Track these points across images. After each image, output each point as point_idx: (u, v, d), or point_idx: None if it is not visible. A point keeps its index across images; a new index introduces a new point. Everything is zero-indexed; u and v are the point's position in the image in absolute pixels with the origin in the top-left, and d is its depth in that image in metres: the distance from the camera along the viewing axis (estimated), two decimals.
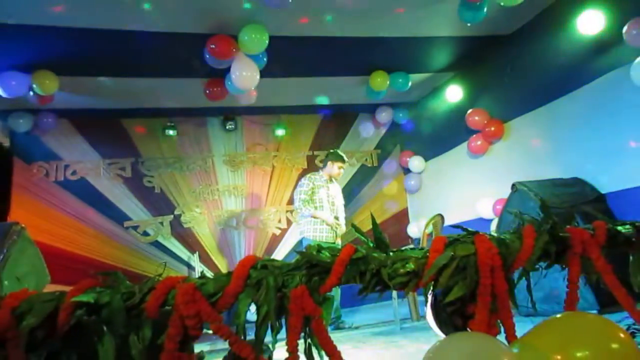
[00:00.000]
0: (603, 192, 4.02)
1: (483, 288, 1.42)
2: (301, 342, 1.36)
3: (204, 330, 1.34)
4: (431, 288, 1.49)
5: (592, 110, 4.16)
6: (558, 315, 1.41)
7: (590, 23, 3.98)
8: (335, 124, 7.06)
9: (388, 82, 5.61)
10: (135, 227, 6.02)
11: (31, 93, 4.70)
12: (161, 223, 6.14)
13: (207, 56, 4.39)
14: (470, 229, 1.58)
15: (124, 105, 5.83)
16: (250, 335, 1.34)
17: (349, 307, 5.69)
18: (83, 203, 5.85)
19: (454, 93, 5.94)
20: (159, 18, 4.07)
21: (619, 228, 1.73)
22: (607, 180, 4.00)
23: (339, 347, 1.35)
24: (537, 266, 1.62)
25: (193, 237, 6.22)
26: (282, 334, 1.34)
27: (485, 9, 4.04)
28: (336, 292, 4.36)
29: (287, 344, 1.31)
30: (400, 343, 3.21)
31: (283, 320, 1.37)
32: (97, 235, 5.82)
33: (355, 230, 1.55)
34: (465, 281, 1.43)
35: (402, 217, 7.09)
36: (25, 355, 1.21)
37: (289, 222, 6.51)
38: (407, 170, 7.07)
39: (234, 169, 6.60)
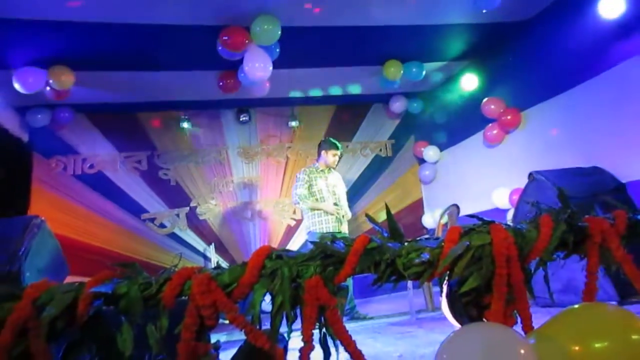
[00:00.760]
0: (623, 181, 3.94)
1: (499, 278, 1.41)
2: (316, 332, 1.37)
3: (220, 321, 1.35)
4: (446, 278, 1.48)
5: (613, 98, 4.06)
6: (576, 306, 1.39)
7: (611, 7, 3.87)
8: (349, 114, 7.03)
9: (402, 72, 5.56)
10: (152, 220, 6.10)
11: (48, 88, 4.76)
12: (177, 215, 6.20)
13: (220, 48, 4.39)
14: (485, 219, 1.56)
15: (139, 99, 5.87)
16: (266, 325, 1.36)
17: (363, 298, 5.71)
18: (101, 196, 5.94)
19: (469, 82, 5.86)
20: (172, 11, 4.08)
21: None
22: (628, 169, 3.92)
23: (354, 337, 1.36)
24: (554, 256, 1.60)
25: (208, 229, 6.28)
26: (298, 324, 1.35)
27: None
28: (349, 283, 4.37)
29: (302, 333, 1.32)
30: (415, 333, 3.21)
31: (298, 311, 1.38)
32: (115, 228, 5.91)
33: (369, 221, 1.55)
34: (481, 271, 1.42)
35: (416, 208, 7.05)
36: (46, 344, 1.24)
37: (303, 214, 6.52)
38: (421, 161, 7.02)
39: (248, 161, 6.63)
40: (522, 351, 1.17)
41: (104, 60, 4.79)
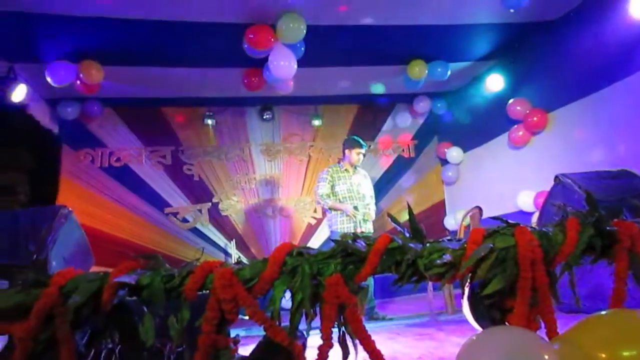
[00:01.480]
0: None
1: (523, 281, 1.38)
2: (335, 330, 1.36)
3: (240, 316, 1.37)
4: (468, 280, 1.46)
5: None
6: (603, 312, 1.36)
7: None
8: (372, 113, 7.00)
9: (426, 71, 5.51)
10: (174, 214, 6.18)
11: (78, 82, 4.87)
12: (200, 210, 6.28)
13: (246, 46, 4.43)
14: (510, 221, 1.54)
15: (165, 94, 5.97)
16: (285, 323, 1.36)
17: (383, 299, 5.68)
18: (126, 189, 6.05)
19: (494, 82, 5.77)
20: (200, 9, 4.13)
21: None
22: None
23: (373, 337, 1.35)
24: (581, 261, 1.56)
25: (230, 225, 6.34)
26: (317, 322, 1.35)
27: None
28: (369, 283, 4.35)
29: (321, 331, 1.32)
30: (435, 335, 3.18)
31: (318, 308, 1.38)
32: (139, 221, 6.02)
33: (391, 220, 1.53)
34: (505, 274, 1.39)
35: (438, 209, 6.98)
36: (71, 331, 1.27)
37: (324, 212, 6.52)
38: (444, 162, 6.95)
39: (271, 159, 6.66)
40: (546, 357, 1.14)
41: (133, 56, 4.89)
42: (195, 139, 6.46)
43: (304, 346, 1.38)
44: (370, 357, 1.32)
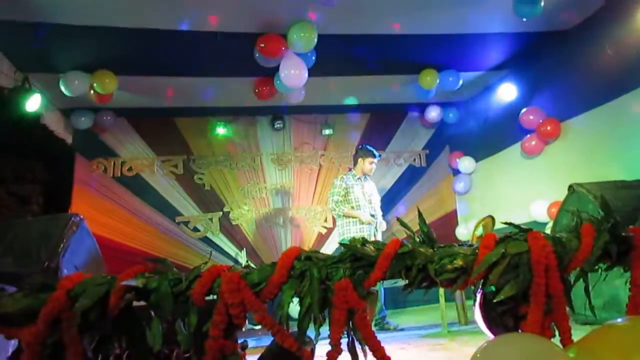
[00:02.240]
0: None
1: (537, 287, 1.35)
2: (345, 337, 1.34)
3: (250, 326, 1.35)
4: (480, 286, 1.43)
5: None
6: (619, 320, 1.32)
7: None
8: (384, 123, 6.99)
9: (438, 81, 5.49)
10: (186, 223, 6.20)
11: (92, 92, 4.93)
12: (210, 219, 6.29)
13: (257, 55, 4.46)
14: (523, 227, 1.51)
15: (177, 104, 6.02)
16: (294, 329, 1.34)
17: (394, 309, 5.61)
18: (138, 198, 6.09)
19: (507, 91, 5.73)
20: (211, 19, 4.17)
21: None
22: None
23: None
24: (596, 267, 1.52)
25: (241, 234, 6.34)
26: (326, 329, 1.33)
27: (542, 3, 3.87)
28: (379, 293, 4.30)
29: (330, 336, 1.30)
30: (447, 345, 3.13)
31: (327, 314, 1.36)
32: (150, 230, 6.04)
33: (401, 224, 1.51)
34: (518, 280, 1.36)
35: (450, 219, 6.92)
36: (78, 335, 1.26)
37: (335, 222, 6.48)
38: (456, 171, 6.89)
39: (282, 168, 6.67)
40: None
41: (145, 65, 4.95)
42: (206, 148, 6.49)
43: (313, 352, 1.36)
44: None
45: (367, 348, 1.32)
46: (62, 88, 4.69)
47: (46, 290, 1.31)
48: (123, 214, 5.98)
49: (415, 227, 1.54)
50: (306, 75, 4.53)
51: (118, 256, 5.23)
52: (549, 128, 5.07)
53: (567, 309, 1.43)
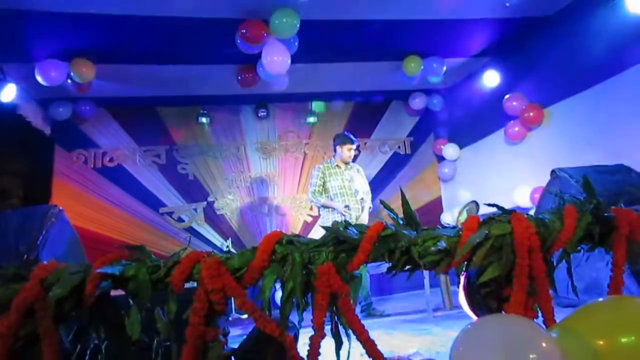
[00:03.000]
0: None
1: (520, 269, 1.35)
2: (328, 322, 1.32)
3: (237, 315, 1.33)
4: (464, 269, 1.42)
5: (639, 95, 3.93)
6: (601, 300, 1.33)
7: (638, 2, 3.75)
8: (368, 110, 6.96)
9: (422, 68, 5.48)
10: (170, 213, 6.13)
11: (69, 81, 4.81)
12: (195, 209, 6.23)
13: (239, 41, 4.38)
14: (506, 208, 1.50)
15: (158, 92, 5.90)
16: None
17: (380, 296, 5.64)
18: (120, 189, 5.99)
19: (490, 78, 5.75)
20: (192, 4, 4.08)
21: None
22: None
23: (369, 333, 1.31)
24: (579, 249, 1.53)
25: (226, 224, 6.29)
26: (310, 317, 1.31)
27: None
28: (365, 280, 4.31)
29: (313, 321, 1.28)
30: (432, 330, 3.15)
31: (310, 299, 1.34)
32: (134, 221, 5.96)
33: (384, 206, 1.50)
34: (501, 261, 1.36)
35: (435, 206, 6.95)
36: (53, 326, 1.22)
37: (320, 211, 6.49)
38: (441, 158, 6.92)
39: (266, 157, 6.62)
40: (544, 344, 1.10)
41: (124, 54, 4.83)
42: (189, 137, 6.41)
43: (296, 337, 1.34)
44: (364, 347, 1.29)
45: (351, 332, 1.30)
46: (39, 78, 4.56)
47: (19, 280, 1.26)
48: (105, 206, 5.88)
49: (401, 213, 1.53)
50: (289, 61, 4.47)
51: (101, 249, 5.12)
52: (532, 114, 5.09)
53: (550, 290, 1.43)
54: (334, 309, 1.32)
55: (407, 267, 1.38)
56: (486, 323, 1.22)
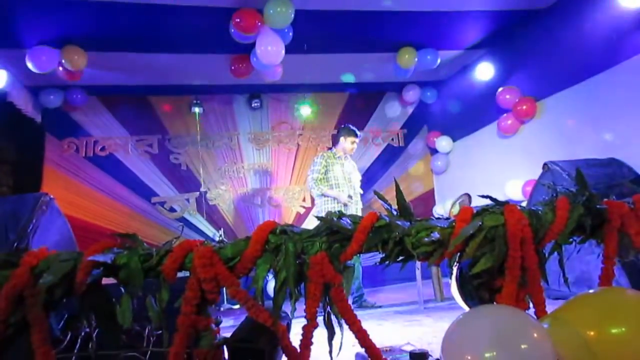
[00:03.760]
0: None
1: (512, 260, 1.35)
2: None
3: (229, 305, 1.32)
4: (457, 260, 1.43)
5: (631, 88, 3.95)
6: (592, 291, 1.34)
7: None
8: (362, 102, 6.95)
9: (416, 59, 5.46)
10: (162, 203, 6.10)
11: (60, 69, 4.75)
12: (187, 200, 6.20)
13: (233, 30, 4.34)
14: (499, 200, 1.50)
15: (151, 81, 5.85)
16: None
17: (372, 287, 5.66)
18: (112, 179, 5.95)
19: (484, 71, 5.74)
20: None
21: None
22: None
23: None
24: (570, 240, 1.54)
25: (218, 214, 6.27)
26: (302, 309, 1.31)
27: None
28: (357, 271, 4.32)
29: (305, 311, 1.28)
30: (424, 321, 3.17)
31: (303, 289, 1.34)
32: (125, 211, 5.93)
33: (378, 197, 1.49)
34: (493, 253, 1.36)
35: (428, 198, 6.98)
36: (43, 313, 1.21)
37: (314, 201, 6.47)
38: (434, 151, 6.93)
39: (260, 147, 6.59)
40: (536, 335, 1.11)
41: (117, 41, 4.76)
42: (182, 127, 6.36)
43: (288, 327, 1.34)
44: (356, 337, 1.29)
45: (343, 322, 1.30)
46: (29, 64, 4.49)
47: (9, 267, 1.25)
48: (97, 195, 5.84)
49: (395, 205, 1.52)
50: (283, 51, 4.43)
51: (93, 238, 5.01)
52: (524, 107, 5.10)
53: (542, 281, 1.44)
54: (327, 299, 1.32)
55: (401, 257, 1.38)
56: (478, 314, 1.22)
